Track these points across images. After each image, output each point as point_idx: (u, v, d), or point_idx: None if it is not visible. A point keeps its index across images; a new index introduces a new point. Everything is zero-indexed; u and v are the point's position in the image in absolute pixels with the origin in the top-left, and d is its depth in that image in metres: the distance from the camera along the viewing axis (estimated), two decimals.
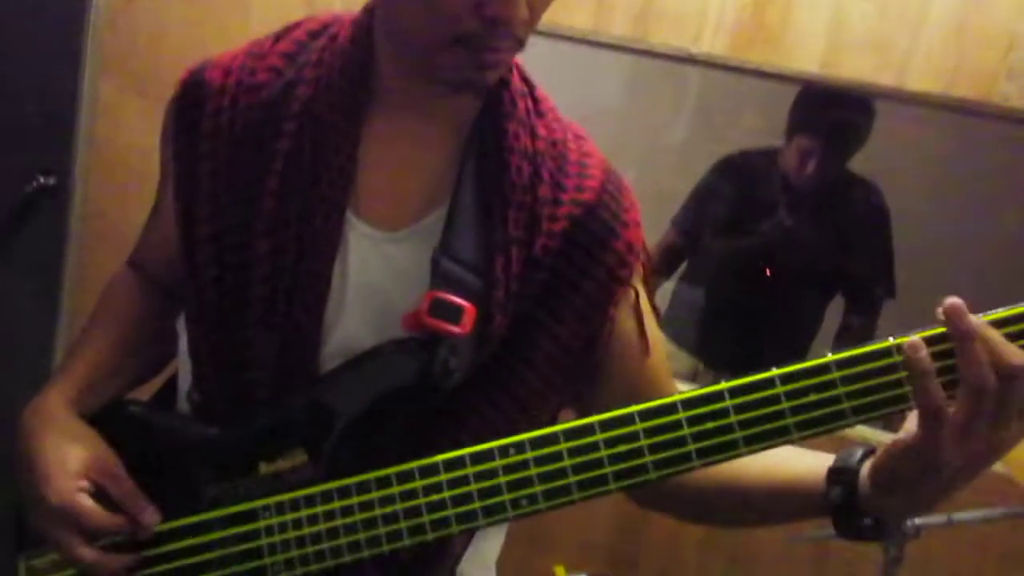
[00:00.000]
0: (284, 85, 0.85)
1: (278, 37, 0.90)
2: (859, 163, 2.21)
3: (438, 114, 0.86)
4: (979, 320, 0.65)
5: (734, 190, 2.38)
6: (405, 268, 0.84)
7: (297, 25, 0.90)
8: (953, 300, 0.66)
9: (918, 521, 1.27)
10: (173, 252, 0.93)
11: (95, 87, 1.91)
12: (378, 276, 0.85)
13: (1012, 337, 0.65)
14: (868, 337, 2.43)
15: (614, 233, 0.87)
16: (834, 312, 2.35)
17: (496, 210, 0.83)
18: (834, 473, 0.76)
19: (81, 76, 1.90)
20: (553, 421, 0.90)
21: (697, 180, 2.43)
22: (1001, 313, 0.66)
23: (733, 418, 0.69)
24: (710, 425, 0.69)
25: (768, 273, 2.34)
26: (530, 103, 0.89)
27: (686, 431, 0.70)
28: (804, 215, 2.27)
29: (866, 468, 0.74)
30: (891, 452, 0.72)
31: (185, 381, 0.91)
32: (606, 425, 0.72)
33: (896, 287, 2.25)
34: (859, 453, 0.76)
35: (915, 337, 0.66)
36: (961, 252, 2.30)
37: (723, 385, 0.70)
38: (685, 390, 0.72)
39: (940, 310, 0.66)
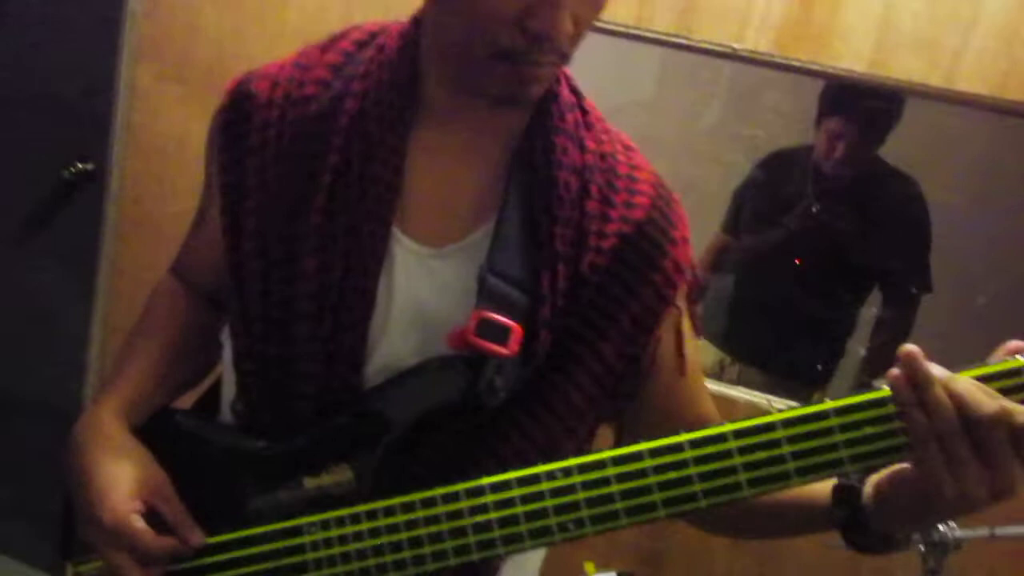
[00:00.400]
0: (332, 98, 0.84)
1: (324, 47, 0.89)
2: (905, 160, 2.18)
3: (485, 127, 0.85)
4: (940, 370, 0.67)
5: (768, 184, 2.37)
6: (451, 284, 0.84)
7: (344, 35, 0.89)
8: (910, 348, 0.67)
9: (959, 533, 1.26)
10: (218, 262, 0.93)
11: (132, 74, 1.91)
12: (424, 292, 0.84)
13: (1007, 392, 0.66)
14: (905, 332, 2.39)
15: (662, 251, 0.86)
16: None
17: (543, 226, 0.83)
18: (837, 492, 0.77)
19: (119, 63, 1.90)
20: (592, 437, 0.90)
21: (727, 168, 2.42)
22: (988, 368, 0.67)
23: (785, 449, 0.68)
24: (762, 455, 0.68)
25: (797, 264, 2.32)
26: (579, 115, 0.88)
27: (737, 460, 0.69)
28: (833, 202, 2.26)
29: (870, 486, 0.75)
30: (890, 478, 0.72)
31: (229, 391, 0.92)
32: (656, 452, 0.71)
33: (932, 281, 2.22)
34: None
35: (897, 371, 0.68)
36: (1008, 254, 2.27)
37: (775, 416, 0.69)
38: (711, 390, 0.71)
39: (898, 353, 0.68)
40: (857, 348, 2.35)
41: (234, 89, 0.89)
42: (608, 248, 0.84)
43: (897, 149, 2.18)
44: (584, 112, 0.88)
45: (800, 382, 2.33)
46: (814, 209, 2.28)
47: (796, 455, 0.68)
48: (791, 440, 0.68)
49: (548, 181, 0.83)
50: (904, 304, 2.31)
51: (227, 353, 0.92)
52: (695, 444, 0.70)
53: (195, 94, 1.89)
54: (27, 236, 2.03)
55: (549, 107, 0.85)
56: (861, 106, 2.12)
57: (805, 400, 2.21)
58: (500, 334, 0.79)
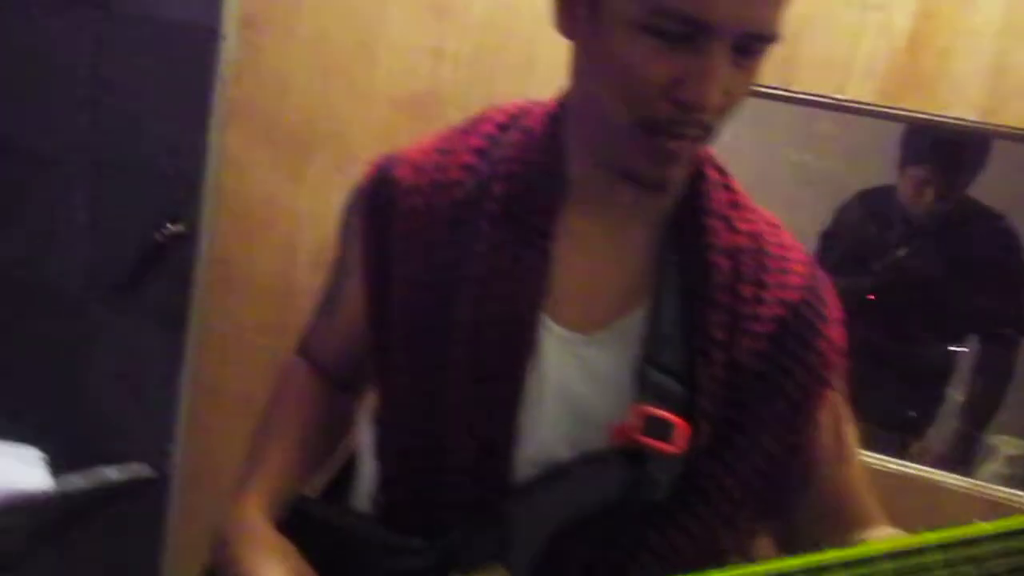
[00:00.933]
0: (478, 183, 0.83)
1: (465, 130, 0.87)
2: (994, 198, 2.11)
3: (632, 209, 0.83)
4: None
5: (853, 227, 2.32)
6: (603, 372, 0.81)
7: (484, 117, 0.88)
8: None
9: None
10: (352, 346, 0.92)
11: (222, 137, 1.93)
12: (574, 380, 0.82)
13: None
14: (1005, 374, 2.30)
15: (818, 333, 0.83)
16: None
17: (697, 312, 0.80)
18: None
19: (209, 127, 1.92)
20: (753, 532, 0.86)
21: (808, 211, 2.37)
22: None
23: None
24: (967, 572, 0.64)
25: (871, 300, 2.26)
26: (725, 194, 0.85)
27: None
28: (922, 247, 2.20)
29: None
30: None
31: (367, 480, 0.90)
32: (849, 564, 0.66)
33: None
34: None
35: None
36: None
37: (977, 530, 0.64)
38: None
39: None
40: (954, 394, 2.27)
41: (376, 175, 0.88)
42: (764, 332, 0.81)
43: (984, 186, 2.11)
44: (731, 191, 0.86)
45: (894, 431, 2.25)
46: (901, 253, 2.23)
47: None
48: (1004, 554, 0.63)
49: (700, 265, 0.81)
50: (1002, 347, 2.24)
51: (365, 441, 0.90)
52: (893, 556, 0.65)
53: (283, 156, 1.90)
54: (120, 297, 2.05)
55: (698, 187, 0.83)
56: (948, 152, 2.08)
57: (900, 450, 2.11)
58: (665, 430, 0.76)
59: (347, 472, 0.96)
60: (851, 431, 0.87)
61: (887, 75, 1.52)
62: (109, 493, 1.40)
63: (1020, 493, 1.60)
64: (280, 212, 1.93)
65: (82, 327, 2.15)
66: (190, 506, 2.10)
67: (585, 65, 0.77)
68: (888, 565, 0.66)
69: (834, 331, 0.85)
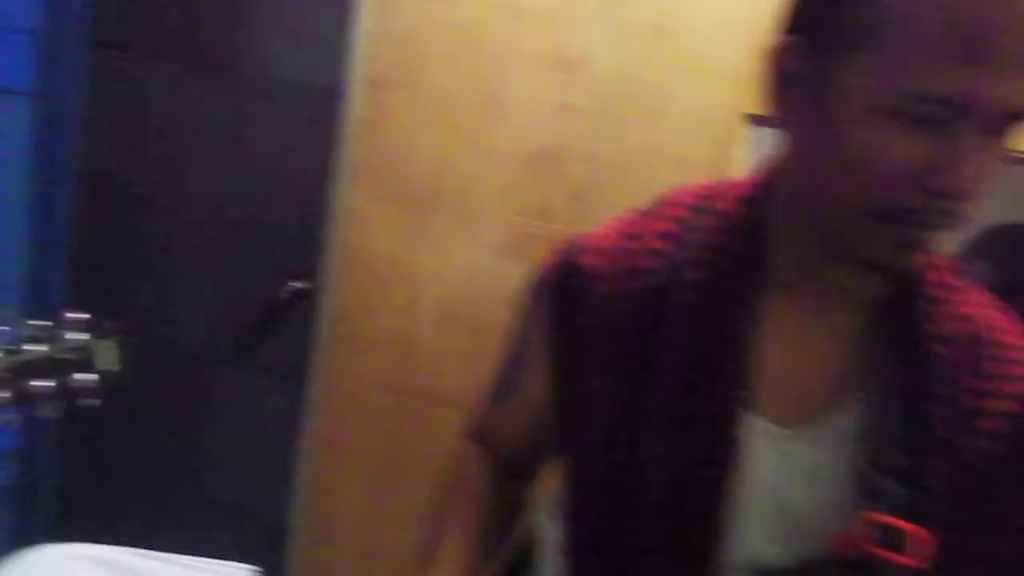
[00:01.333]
0: (670, 270, 0.78)
1: (651, 214, 0.83)
2: None
3: (839, 295, 0.77)
4: None
5: (988, 268, 2.20)
6: (814, 470, 0.76)
7: (672, 200, 0.83)
8: None
9: None
10: (529, 434, 0.89)
11: (346, 195, 1.94)
12: (781, 479, 0.76)
13: None
14: None
15: None
16: None
17: (919, 408, 0.74)
18: None
19: (333, 184, 1.94)
20: None
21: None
22: None
23: None
24: None
25: None
26: (938, 275, 0.79)
27: None
28: None
29: None
30: None
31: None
32: None
33: None
34: None
35: None
36: None
37: None
38: None
39: None
40: None
41: (561, 262, 0.84)
42: (996, 430, 0.74)
43: None
44: (940, 271, 0.80)
45: None
46: None
47: None
48: None
49: (918, 354, 0.75)
50: None
51: (549, 535, 0.87)
52: None
53: (407, 214, 1.90)
54: (243, 353, 2.08)
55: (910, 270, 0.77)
56: None
57: None
58: (897, 540, 0.70)
59: (522, 564, 0.92)
60: None
61: None
62: None
63: None
64: (403, 269, 1.92)
65: (205, 384, 2.18)
66: (311, 564, 2.10)
67: (806, 152, 0.72)
68: None
69: None
